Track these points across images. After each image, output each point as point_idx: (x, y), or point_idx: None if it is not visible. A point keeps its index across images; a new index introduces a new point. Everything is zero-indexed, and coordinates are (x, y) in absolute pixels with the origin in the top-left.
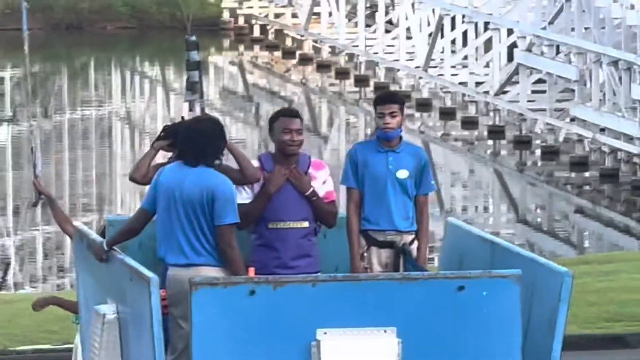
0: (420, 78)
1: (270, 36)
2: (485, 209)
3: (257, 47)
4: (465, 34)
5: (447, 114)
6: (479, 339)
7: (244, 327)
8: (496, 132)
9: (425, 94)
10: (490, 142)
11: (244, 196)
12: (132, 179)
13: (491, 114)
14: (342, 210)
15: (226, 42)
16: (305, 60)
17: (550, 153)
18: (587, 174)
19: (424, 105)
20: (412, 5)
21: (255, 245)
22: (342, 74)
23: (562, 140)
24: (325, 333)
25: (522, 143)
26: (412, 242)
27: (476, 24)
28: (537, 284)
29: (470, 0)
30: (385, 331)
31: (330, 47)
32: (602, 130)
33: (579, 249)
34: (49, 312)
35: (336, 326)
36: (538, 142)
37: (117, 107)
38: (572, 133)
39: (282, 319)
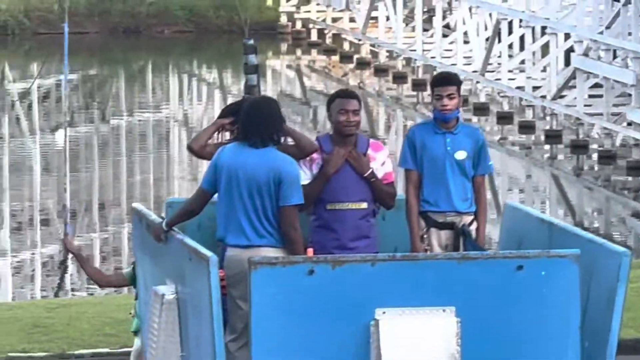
0: (478, 82)
1: (328, 40)
2: (542, 213)
3: (314, 51)
4: (522, 38)
5: (504, 119)
6: (537, 318)
7: (303, 306)
8: (553, 137)
9: (482, 99)
10: (547, 146)
11: (303, 178)
12: (189, 148)
13: (548, 118)
14: (400, 192)
15: (284, 46)
16: (362, 64)
17: (607, 157)
18: None
19: (481, 110)
20: (470, 9)
21: (314, 226)
22: (399, 78)
23: (619, 145)
24: (384, 312)
25: (579, 147)
26: (471, 223)
27: (533, 29)
28: (595, 264)
29: (527, 4)
30: (444, 311)
31: (388, 51)
32: None
33: (636, 252)
34: (107, 315)
35: (395, 306)
36: (595, 146)
37: (175, 110)
38: (628, 137)
39: (340, 298)
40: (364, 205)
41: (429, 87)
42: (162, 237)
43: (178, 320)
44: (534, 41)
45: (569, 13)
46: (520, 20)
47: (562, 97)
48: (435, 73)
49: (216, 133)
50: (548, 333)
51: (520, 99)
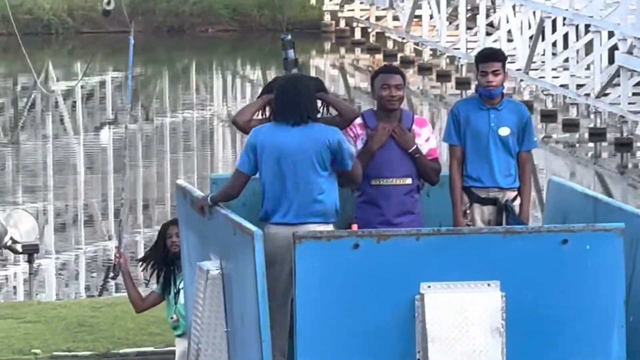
0: (522, 80)
1: (372, 39)
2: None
3: (358, 50)
4: (566, 36)
5: (548, 117)
6: (582, 292)
7: (348, 280)
8: (597, 135)
9: (526, 97)
10: (591, 144)
11: None
12: (234, 121)
13: (592, 116)
14: (445, 169)
15: (327, 45)
16: (406, 62)
17: None
18: None
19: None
20: (513, 7)
21: (358, 202)
22: (443, 76)
23: None
24: (429, 287)
25: (624, 145)
26: (514, 199)
27: (577, 27)
28: None
29: (571, 2)
30: (489, 285)
31: (432, 49)
32: None
33: None
34: (150, 314)
35: (440, 280)
36: (639, 144)
37: (219, 109)
38: None
39: (385, 272)
40: (409, 181)
41: (474, 66)
42: (205, 211)
43: (223, 295)
44: (577, 39)
45: (612, 11)
46: (564, 19)
47: (606, 95)
48: (481, 50)
49: (261, 110)
50: (593, 307)
51: (564, 97)
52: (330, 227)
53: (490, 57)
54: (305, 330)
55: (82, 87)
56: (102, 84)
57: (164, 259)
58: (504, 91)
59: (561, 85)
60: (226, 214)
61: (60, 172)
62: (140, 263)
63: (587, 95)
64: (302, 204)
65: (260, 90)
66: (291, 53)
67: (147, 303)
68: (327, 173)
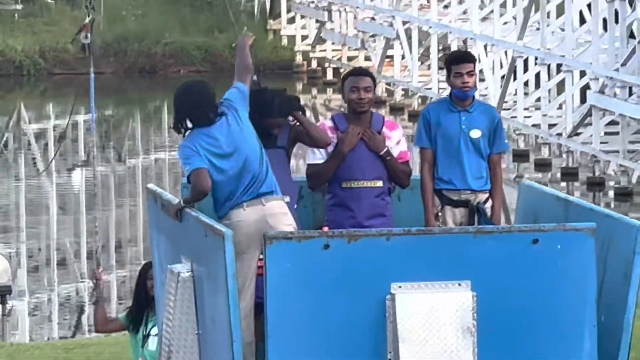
0: None
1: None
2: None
3: (330, 90)
4: (538, 76)
5: (520, 156)
6: (553, 292)
7: (319, 281)
8: (570, 174)
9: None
10: (563, 184)
11: (318, 156)
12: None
13: (564, 155)
14: (415, 172)
15: (299, 85)
16: (378, 103)
17: (623, 194)
18: None
19: None
20: (485, 47)
21: (330, 205)
22: (415, 116)
23: (636, 182)
24: (399, 287)
25: (596, 185)
26: (486, 201)
27: (549, 66)
28: (612, 239)
29: (542, 42)
30: (459, 285)
31: (404, 89)
32: None
33: None
34: (124, 356)
35: (410, 280)
36: (611, 183)
37: None
38: None
39: (356, 273)
40: (380, 183)
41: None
42: (178, 215)
43: (194, 298)
44: (549, 79)
45: (584, 50)
46: (536, 58)
47: (578, 134)
48: (452, 52)
49: None
50: (564, 307)
51: (536, 137)
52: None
53: (464, 59)
54: (276, 331)
55: (54, 128)
56: (74, 125)
57: (142, 299)
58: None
59: (533, 125)
60: (197, 216)
61: (33, 213)
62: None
63: (559, 134)
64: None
65: None
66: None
67: (109, 326)
68: None
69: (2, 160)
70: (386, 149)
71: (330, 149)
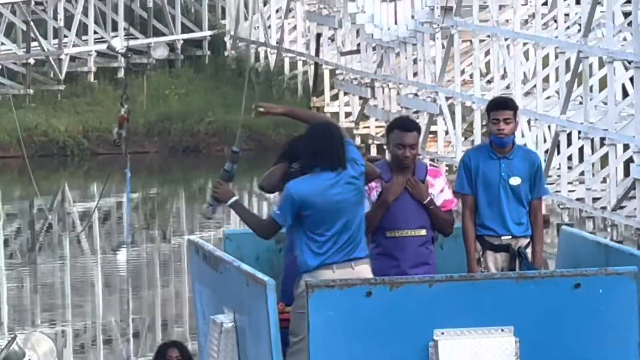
0: None
1: (387, 156)
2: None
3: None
4: (581, 149)
5: None
6: (596, 336)
7: (361, 328)
8: None
9: (543, 211)
10: None
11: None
12: (261, 187)
13: (609, 229)
14: (457, 220)
15: None
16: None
17: None
18: None
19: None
20: (528, 122)
21: (374, 254)
22: None
23: None
24: (442, 333)
25: None
26: (527, 245)
27: (592, 140)
28: None
29: (585, 116)
30: (502, 330)
31: (448, 165)
32: None
33: None
34: None
35: (453, 326)
36: None
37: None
38: None
39: (399, 319)
40: (423, 232)
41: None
42: (220, 190)
43: (237, 348)
44: (593, 152)
45: (627, 124)
46: (579, 132)
47: (622, 207)
48: (493, 98)
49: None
50: (607, 351)
51: (581, 211)
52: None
53: (502, 105)
54: None
55: (98, 208)
56: (119, 204)
57: None
58: (514, 139)
59: (577, 199)
60: (238, 266)
61: (78, 293)
62: None
63: (604, 208)
64: (355, 244)
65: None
66: (232, 168)
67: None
68: None
69: (46, 239)
70: (429, 198)
71: (374, 198)
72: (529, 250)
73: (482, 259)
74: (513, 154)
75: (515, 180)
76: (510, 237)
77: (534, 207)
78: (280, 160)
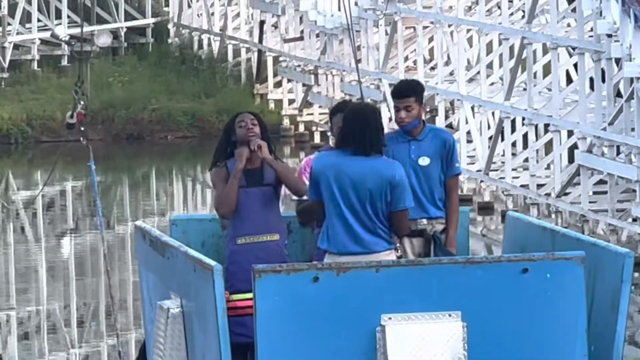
0: (482, 181)
1: (331, 142)
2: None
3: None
4: (525, 136)
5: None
6: (544, 321)
7: (308, 313)
8: None
9: (487, 198)
10: None
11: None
12: (223, 216)
13: (553, 215)
14: None
15: (287, 149)
16: None
17: None
18: None
19: (485, 209)
20: (472, 108)
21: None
22: None
23: (625, 241)
24: (389, 318)
25: None
26: (443, 230)
27: (536, 126)
28: (599, 267)
29: (530, 102)
30: (450, 315)
31: None
32: None
33: None
34: None
35: (400, 311)
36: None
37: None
38: (634, 233)
39: (346, 305)
40: None
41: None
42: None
43: (184, 333)
44: (537, 139)
45: (571, 110)
46: (523, 118)
47: (566, 194)
48: (396, 84)
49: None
50: (555, 336)
51: (525, 197)
52: (395, 253)
53: (401, 93)
54: None
55: (42, 195)
56: (62, 192)
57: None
58: (425, 119)
59: (521, 186)
60: (185, 251)
61: (22, 280)
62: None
63: (548, 194)
64: (370, 233)
65: None
66: None
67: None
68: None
69: None
70: None
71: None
72: (444, 236)
73: (399, 245)
74: (423, 134)
75: (424, 161)
76: (426, 220)
77: (448, 187)
78: None
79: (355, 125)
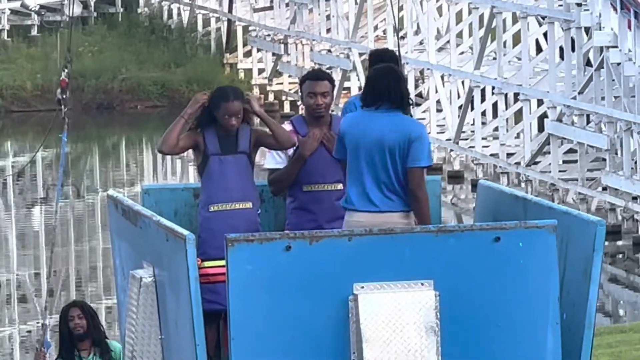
0: (452, 150)
1: (301, 111)
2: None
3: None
4: (495, 105)
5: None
6: (516, 290)
7: (281, 282)
8: None
9: (456, 166)
10: None
11: (278, 160)
12: (160, 151)
13: (523, 184)
14: None
15: (256, 119)
16: None
17: None
18: (620, 243)
19: (455, 178)
20: (442, 77)
21: (291, 208)
22: None
23: (594, 210)
24: (362, 287)
25: None
26: None
27: (506, 95)
28: (570, 236)
29: (499, 71)
30: (422, 284)
31: None
32: (635, 198)
33: (614, 317)
34: None
35: (373, 280)
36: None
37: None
38: (604, 202)
39: (318, 274)
40: (340, 186)
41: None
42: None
43: (156, 302)
44: (507, 108)
45: (541, 79)
46: (493, 88)
47: (536, 163)
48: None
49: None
50: (527, 304)
51: (495, 166)
52: (408, 216)
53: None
54: (239, 333)
55: (12, 165)
56: (33, 162)
57: (69, 342)
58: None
59: (491, 155)
60: (158, 220)
61: None
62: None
63: (518, 163)
64: (383, 192)
65: None
66: None
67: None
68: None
69: None
70: None
71: (290, 153)
72: None
73: None
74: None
75: None
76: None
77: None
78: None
79: (383, 82)
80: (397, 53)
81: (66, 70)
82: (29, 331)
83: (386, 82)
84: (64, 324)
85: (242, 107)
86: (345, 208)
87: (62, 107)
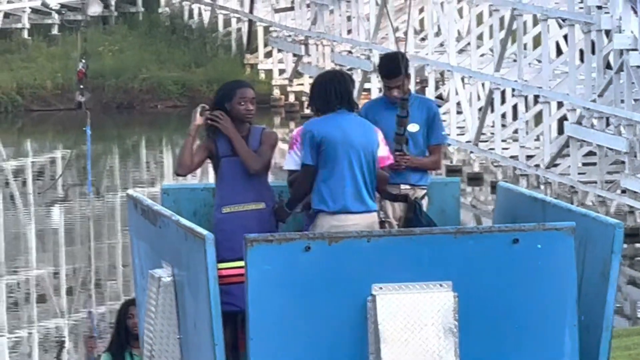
0: (471, 152)
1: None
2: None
3: None
4: (515, 107)
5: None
6: (534, 291)
7: (300, 283)
8: None
9: (476, 168)
10: None
11: (298, 162)
12: (179, 175)
13: (542, 187)
14: None
15: (277, 120)
16: None
17: None
18: (638, 245)
19: (475, 180)
20: (462, 79)
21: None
22: None
23: (614, 212)
24: (380, 288)
25: None
26: (423, 197)
27: (526, 98)
28: (589, 238)
29: (520, 74)
30: (441, 285)
31: None
32: None
33: (632, 320)
34: None
35: (391, 281)
36: None
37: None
38: (623, 205)
39: (337, 274)
40: None
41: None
42: (285, 219)
43: (175, 302)
44: (527, 110)
45: (561, 82)
46: (513, 90)
47: (555, 165)
48: (383, 62)
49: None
50: (545, 306)
51: (514, 168)
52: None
53: (392, 73)
54: (258, 333)
55: (32, 164)
56: (52, 161)
57: (123, 339)
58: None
59: (511, 157)
60: (177, 220)
61: (11, 248)
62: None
63: (537, 166)
64: (368, 192)
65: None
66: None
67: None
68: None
69: None
70: None
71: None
72: (424, 202)
73: (382, 211)
74: (409, 102)
75: (413, 127)
76: (408, 185)
77: (431, 153)
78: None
79: (337, 86)
80: (399, 54)
81: (83, 61)
82: (77, 321)
83: (337, 86)
84: (122, 320)
85: (254, 94)
86: (322, 211)
87: (82, 97)
